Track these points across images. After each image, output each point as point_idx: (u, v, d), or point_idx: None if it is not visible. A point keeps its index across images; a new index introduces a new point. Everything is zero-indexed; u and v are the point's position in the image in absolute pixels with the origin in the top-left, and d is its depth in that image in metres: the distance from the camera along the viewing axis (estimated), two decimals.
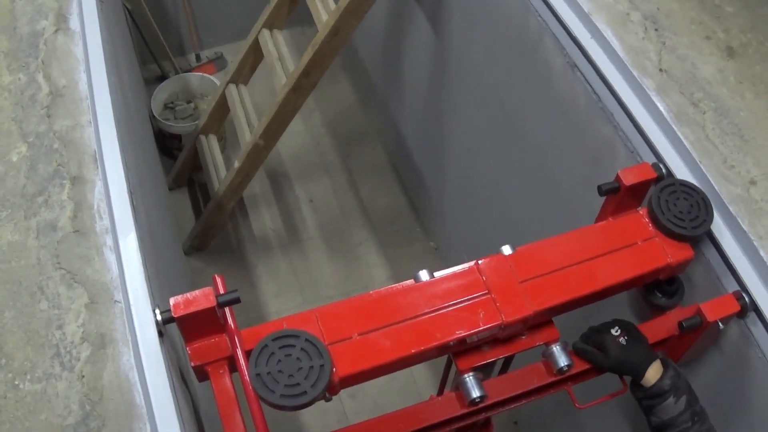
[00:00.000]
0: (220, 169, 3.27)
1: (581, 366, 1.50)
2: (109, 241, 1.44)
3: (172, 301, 1.28)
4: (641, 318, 1.72)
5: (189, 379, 1.56)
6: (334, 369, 1.26)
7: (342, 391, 1.32)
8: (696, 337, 1.49)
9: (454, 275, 1.42)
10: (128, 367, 1.29)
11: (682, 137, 1.61)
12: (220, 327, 1.36)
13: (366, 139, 3.88)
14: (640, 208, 1.56)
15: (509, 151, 2.41)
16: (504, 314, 1.36)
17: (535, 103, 2.15)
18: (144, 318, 1.34)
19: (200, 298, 1.28)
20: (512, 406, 1.53)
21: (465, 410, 1.46)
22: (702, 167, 1.57)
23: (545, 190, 2.24)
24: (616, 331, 1.47)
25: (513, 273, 1.42)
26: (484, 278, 1.40)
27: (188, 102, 3.75)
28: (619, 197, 1.57)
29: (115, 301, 1.37)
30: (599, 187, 1.57)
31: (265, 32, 3.02)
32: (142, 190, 1.86)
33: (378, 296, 1.38)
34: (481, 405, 1.46)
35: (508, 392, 1.48)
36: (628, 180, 1.55)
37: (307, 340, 1.24)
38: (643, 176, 1.57)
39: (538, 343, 1.48)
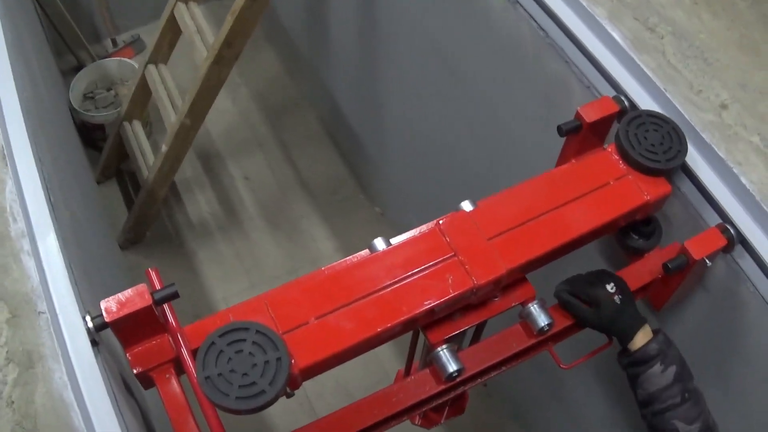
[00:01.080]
0: (147, 156, 3.08)
1: (563, 323, 1.38)
2: (26, 245, 1.28)
3: (102, 304, 1.13)
4: (615, 265, 1.60)
5: (136, 388, 1.42)
6: (293, 360, 1.11)
7: None
8: (681, 279, 1.38)
9: (414, 240, 1.27)
10: (61, 385, 1.14)
11: (642, 65, 1.49)
12: (161, 326, 1.21)
13: (298, 109, 3.71)
14: (607, 145, 1.43)
15: (452, 102, 2.27)
16: (475, 277, 1.22)
17: (476, 48, 2.01)
18: (73, 327, 1.18)
19: (134, 297, 1.13)
20: (492, 375, 1.40)
21: (442, 387, 1.32)
22: (668, 95, 1.46)
23: (496, 139, 2.10)
24: (612, 288, 1.35)
25: (479, 230, 1.28)
26: (448, 239, 1.26)
27: (108, 89, 3.53)
28: (581, 137, 1.45)
29: (39, 312, 1.21)
30: (559, 128, 1.44)
31: (181, 6, 2.83)
32: (62, 186, 1.70)
33: (332, 273, 1.23)
34: (459, 379, 1.32)
35: (487, 361, 1.35)
36: (590, 116, 1.43)
37: (258, 331, 1.09)
38: (606, 111, 1.45)
39: (513, 304, 1.34)
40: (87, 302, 1.25)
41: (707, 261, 1.34)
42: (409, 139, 2.77)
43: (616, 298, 1.34)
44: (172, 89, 2.93)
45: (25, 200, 1.33)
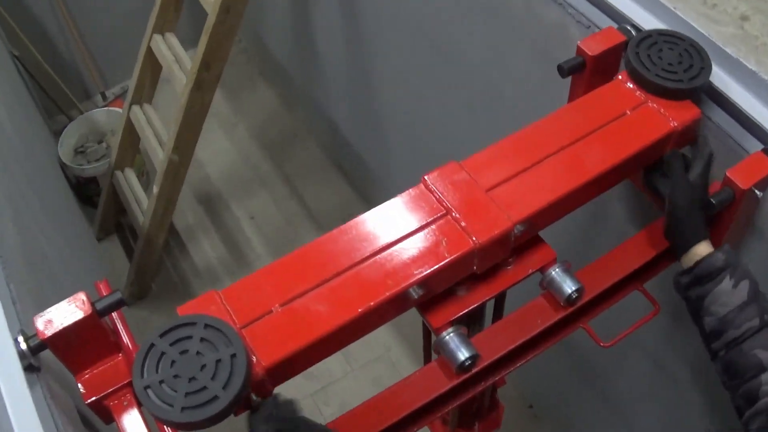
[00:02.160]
0: (142, 203, 2.90)
1: (593, 291, 1.14)
2: None
3: (37, 320, 0.94)
4: (645, 219, 1.37)
5: (99, 427, 1.21)
6: (254, 358, 0.90)
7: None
8: (731, 219, 1.14)
9: (397, 202, 1.06)
10: None
11: None
12: (114, 345, 1.01)
13: (298, 141, 3.53)
14: (619, 75, 1.22)
15: (451, 89, 2.08)
16: (474, 235, 1.00)
17: (465, 24, 1.82)
18: (1, 350, 0.98)
19: (70, 308, 0.94)
20: (517, 365, 1.16)
21: (455, 381, 1.09)
22: (679, 13, 1.25)
23: (497, 115, 1.89)
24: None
25: (475, 181, 1.05)
26: (438, 195, 1.04)
27: (99, 142, 3.38)
28: (587, 76, 1.24)
29: None
30: (560, 67, 1.23)
31: (157, 37, 2.69)
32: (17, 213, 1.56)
33: (300, 252, 1.01)
34: (474, 370, 1.09)
35: (506, 345, 1.11)
36: (593, 49, 1.22)
37: (207, 325, 0.88)
38: (610, 42, 1.24)
39: (530, 271, 1.11)
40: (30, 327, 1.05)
41: (757, 192, 1.11)
42: (411, 145, 2.57)
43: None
44: (158, 128, 2.77)
45: None
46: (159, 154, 2.67)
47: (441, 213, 1.03)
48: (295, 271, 0.98)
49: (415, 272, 0.97)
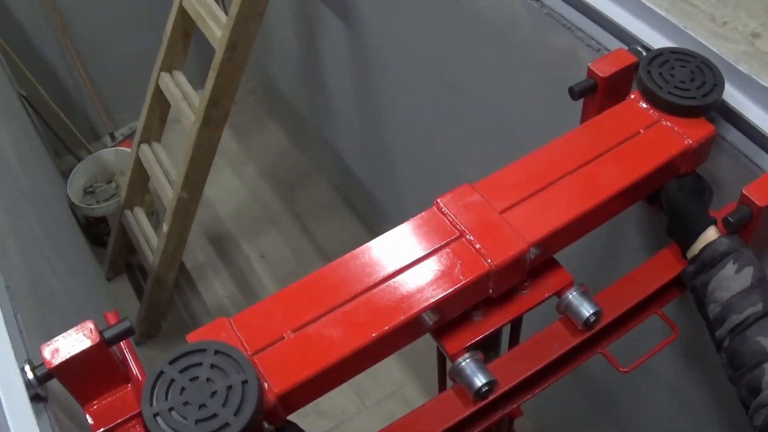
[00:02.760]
0: (152, 242, 2.89)
1: (611, 314, 1.12)
2: None
3: (44, 349, 0.91)
4: (659, 242, 1.35)
5: None
6: (266, 385, 0.87)
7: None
8: (749, 236, 1.11)
9: (409, 226, 1.04)
10: None
11: (653, 6, 1.28)
12: (123, 375, 0.99)
13: (309, 180, 3.52)
14: (631, 94, 1.20)
15: (461, 121, 2.07)
16: (489, 257, 0.98)
17: (473, 54, 1.82)
18: (7, 378, 0.97)
19: (78, 336, 0.91)
20: (536, 392, 1.13)
21: (472, 408, 1.06)
22: (689, 32, 1.24)
23: (508, 144, 1.88)
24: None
25: (487, 203, 1.04)
26: (451, 218, 1.02)
27: (108, 182, 3.39)
28: (598, 98, 1.23)
29: None
30: (571, 89, 1.22)
31: (165, 75, 2.69)
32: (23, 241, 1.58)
33: (312, 278, 0.99)
34: (491, 397, 1.06)
35: (524, 371, 1.08)
36: (604, 71, 1.21)
37: (218, 351, 0.85)
38: (622, 63, 1.22)
39: (547, 295, 1.09)
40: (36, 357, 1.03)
41: None
42: (424, 184, 2.56)
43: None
44: (167, 166, 2.76)
45: None
46: (168, 193, 2.66)
47: (455, 236, 1.01)
48: (307, 296, 0.96)
49: (430, 296, 0.95)
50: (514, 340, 1.22)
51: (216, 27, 2.33)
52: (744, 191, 1.09)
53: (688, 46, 1.24)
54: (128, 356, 1.02)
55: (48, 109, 3.25)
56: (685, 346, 1.55)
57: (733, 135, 1.19)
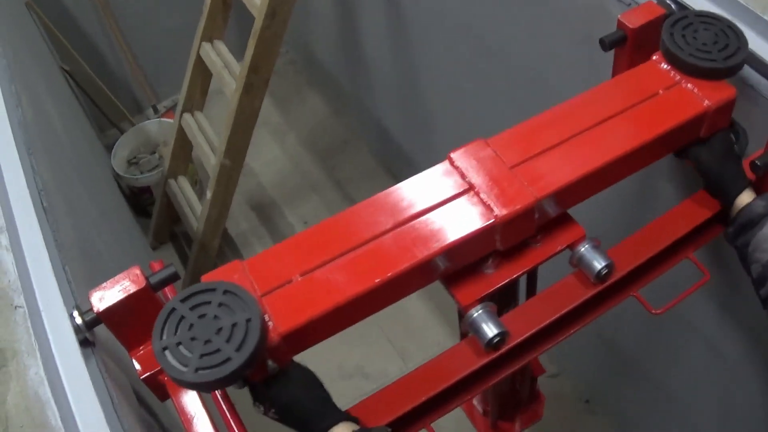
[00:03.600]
0: (196, 209, 2.95)
1: (642, 257, 1.13)
2: (4, 240, 1.15)
3: (92, 294, 0.95)
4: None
5: (159, 407, 1.26)
6: (271, 323, 0.90)
7: None
8: None
9: (420, 178, 1.06)
10: (37, 381, 0.97)
11: None
12: None
13: (349, 147, 3.55)
14: (654, 55, 1.20)
15: (498, 83, 2.09)
16: (496, 209, 1.00)
17: (507, 15, 1.84)
18: (56, 322, 1.02)
19: (124, 282, 0.95)
20: (551, 345, 1.14)
21: (485, 359, 1.08)
22: None
23: (544, 104, 1.88)
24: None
25: (500, 158, 1.05)
26: (463, 171, 1.04)
27: (152, 153, 3.45)
28: (628, 50, 1.25)
29: (16, 306, 1.06)
30: (601, 41, 1.24)
31: (206, 45, 2.73)
32: (70, 202, 1.64)
33: (324, 225, 1.02)
34: (504, 348, 1.08)
35: (536, 323, 1.09)
36: (633, 22, 1.22)
37: (226, 291, 0.89)
38: (651, 15, 1.24)
39: (559, 248, 1.10)
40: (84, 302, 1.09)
41: None
42: (461, 140, 2.56)
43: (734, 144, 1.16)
44: (210, 134, 2.81)
45: (8, 196, 1.22)
46: (211, 160, 2.71)
47: (464, 188, 1.03)
48: (318, 242, 0.99)
49: (434, 245, 0.97)
50: (530, 295, 1.23)
51: None
52: None
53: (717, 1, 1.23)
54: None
55: (91, 83, 3.31)
56: (720, 299, 1.56)
57: (762, 85, 1.20)
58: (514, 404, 1.55)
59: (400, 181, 1.02)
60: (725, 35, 1.16)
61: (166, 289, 1.03)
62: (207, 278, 0.95)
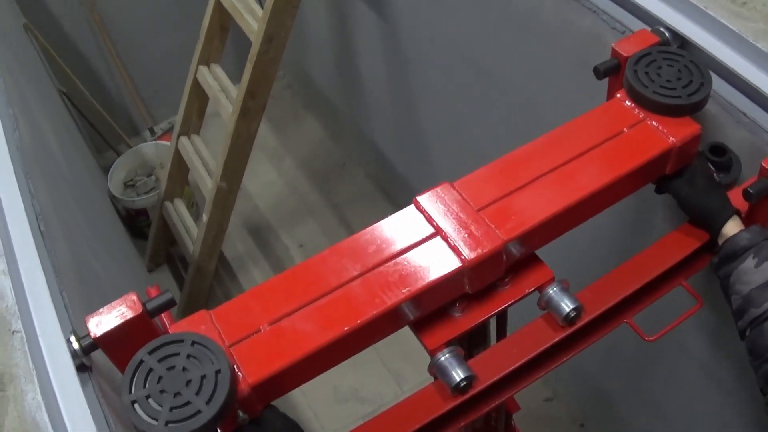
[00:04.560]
0: (192, 231, 2.96)
1: (636, 284, 1.15)
2: (2, 265, 1.16)
3: (89, 320, 0.96)
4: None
5: None
6: (240, 374, 0.92)
7: None
8: None
9: (388, 222, 1.07)
10: (34, 406, 0.97)
11: None
12: None
13: (345, 170, 3.56)
14: (617, 93, 1.22)
15: (492, 108, 2.11)
16: (464, 254, 1.00)
17: (503, 41, 1.86)
18: (54, 347, 1.03)
19: (121, 308, 0.96)
20: (519, 388, 1.15)
21: (451, 404, 1.08)
22: (709, 12, 1.26)
23: (538, 130, 1.90)
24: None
25: (466, 201, 1.06)
26: (428, 216, 1.05)
27: (149, 175, 3.47)
28: (622, 78, 1.24)
29: (14, 331, 1.07)
30: (596, 68, 1.25)
31: (203, 69, 2.75)
32: (65, 220, 1.63)
33: (290, 273, 1.03)
34: (472, 392, 1.08)
35: (505, 366, 1.09)
36: (627, 50, 1.23)
37: (195, 342, 0.90)
38: (644, 43, 1.25)
39: (527, 291, 1.10)
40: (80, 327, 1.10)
41: None
42: (458, 172, 2.56)
43: (715, 176, 1.17)
44: (206, 158, 2.82)
45: (6, 220, 1.23)
46: (208, 183, 2.72)
47: (431, 233, 1.04)
48: (284, 290, 1.00)
49: (402, 291, 0.98)
50: (501, 337, 1.24)
51: (252, 20, 2.38)
52: (763, 163, 1.11)
53: (708, 25, 1.25)
54: (167, 325, 1.05)
55: (88, 105, 3.31)
56: (714, 325, 1.57)
57: (755, 112, 1.21)
58: None
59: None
60: (689, 71, 1.18)
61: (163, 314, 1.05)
62: (175, 328, 0.97)
